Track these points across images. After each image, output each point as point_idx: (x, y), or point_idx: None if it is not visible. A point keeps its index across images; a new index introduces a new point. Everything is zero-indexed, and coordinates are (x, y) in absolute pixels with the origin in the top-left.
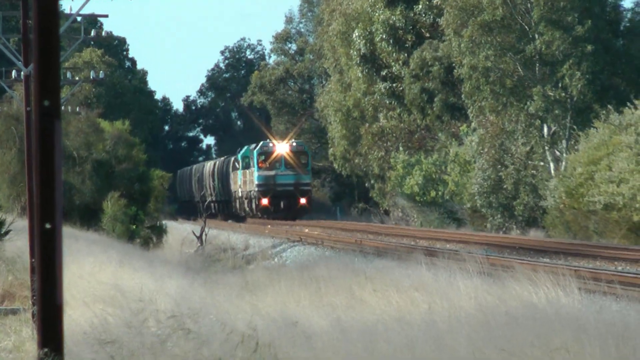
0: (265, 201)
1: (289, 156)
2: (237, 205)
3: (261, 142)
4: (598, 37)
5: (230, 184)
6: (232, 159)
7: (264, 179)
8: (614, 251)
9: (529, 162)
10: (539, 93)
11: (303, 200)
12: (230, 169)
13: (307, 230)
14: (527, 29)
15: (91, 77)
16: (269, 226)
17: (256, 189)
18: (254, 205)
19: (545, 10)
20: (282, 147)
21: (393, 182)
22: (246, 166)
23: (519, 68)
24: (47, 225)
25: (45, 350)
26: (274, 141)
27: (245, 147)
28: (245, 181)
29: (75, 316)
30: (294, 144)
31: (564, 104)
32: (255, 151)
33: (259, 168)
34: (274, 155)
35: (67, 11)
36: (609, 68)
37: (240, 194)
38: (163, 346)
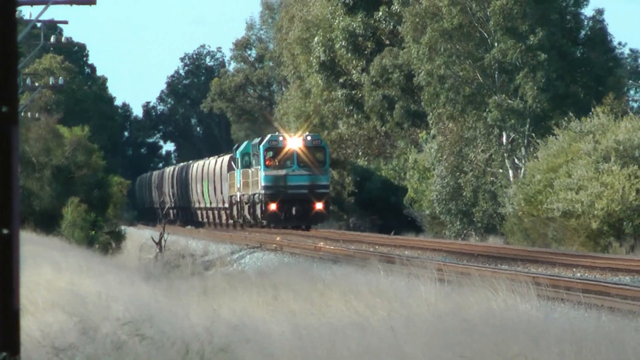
0: (273, 206)
1: (303, 152)
2: (235, 212)
3: (268, 136)
4: (554, 45)
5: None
6: (228, 157)
7: (272, 180)
8: (572, 258)
9: (488, 169)
10: (494, 103)
11: (319, 206)
12: (225, 170)
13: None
14: (487, 37)
15: (51, 84)
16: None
17: (262, 191)
18: (258, 212)
19: (501, 18)
20: (294, 142)
21: (352, 189)
22: (246, 165)
23: (479, 76)
24: (4, 231)
25: (3, 355)
26: (284, 134)
27: (246, 142)
28: (246, 183)
29: (33, 322)
30: (309, 137)
31: (521, 113)
32: (261, 146)
33: (267, 167)
34: (285, 151)
35: (26, 17)
36: (568, 76)
37: (238, 199)
38: (119, 352)
